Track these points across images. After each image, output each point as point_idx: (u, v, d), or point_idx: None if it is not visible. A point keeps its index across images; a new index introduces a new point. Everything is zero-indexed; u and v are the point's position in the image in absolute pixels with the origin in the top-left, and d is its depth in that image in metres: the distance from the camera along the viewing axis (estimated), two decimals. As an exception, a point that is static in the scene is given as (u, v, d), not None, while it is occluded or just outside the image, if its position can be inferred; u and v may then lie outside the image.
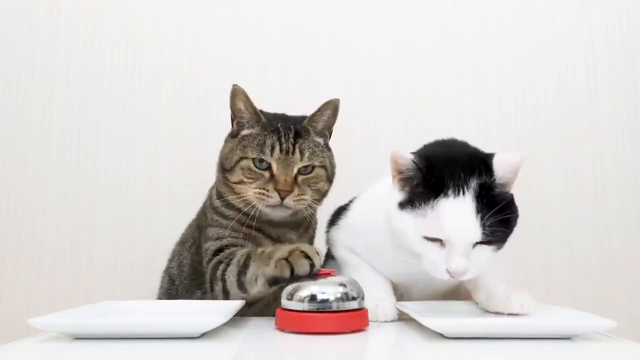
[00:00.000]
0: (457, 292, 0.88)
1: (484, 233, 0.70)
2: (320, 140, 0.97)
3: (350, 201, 0.98)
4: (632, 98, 1.43)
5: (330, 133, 1.00)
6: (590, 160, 1.41)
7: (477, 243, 0.71)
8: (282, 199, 0.88)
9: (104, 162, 1.39)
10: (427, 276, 0.77)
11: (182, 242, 1.07)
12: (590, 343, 0.66)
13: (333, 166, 0.98)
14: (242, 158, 0.92)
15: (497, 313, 0.75)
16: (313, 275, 0.75)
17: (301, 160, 0.91)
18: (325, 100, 0.97)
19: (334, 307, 0.71)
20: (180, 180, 1.36)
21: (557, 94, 1.43)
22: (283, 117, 0.98)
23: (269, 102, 1.41)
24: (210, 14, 1.46)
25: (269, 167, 0.90)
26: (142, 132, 1.41)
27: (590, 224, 1.38)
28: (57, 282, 1.35)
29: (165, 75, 1.43)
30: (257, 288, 0.80)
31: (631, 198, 1.39)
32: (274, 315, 0.77)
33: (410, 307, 0.77)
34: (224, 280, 0.85)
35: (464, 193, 0.71)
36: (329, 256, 1.00)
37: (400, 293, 0.89)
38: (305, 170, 0.92)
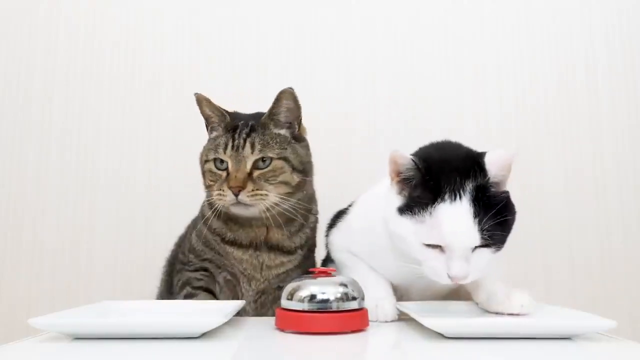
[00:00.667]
0: (457, 293, 0.87)
1: (482, 237, 0.70)
2: (283, 131, 0.95)
3: (350, 205, 0.97)
4: (632, 98, 1.43)
5: (299, 123, 0.97)
6: (590, 160, 1.41)
7: (476, 247, 0.71)
8: (236, 195, 0.87)
9: (104, 162, 1.39)
10: (427, 278, 0.77)
11: (178, 245, 1.07)
12: (590, 343, 0.66)
13: (302, 156, 0.95)
14: (206, 161, 0.94)
15: (497, 313, 0.75)
16: None
17: (252, 153, 0.90)
18: (278, 92, 0.95)
19: (334, 307, 0.71)
20: (180, 180, 1.36)
21: (557, 94, 1.43)
22: (251, 115, 0.98)
23: (268, 102, 1.42)
24: (210, 14, 1.46)
25: (227, 167, 0.91)
26: (142, 132, 1.41)
27: (590, 224, 1.38)
28: (57, 282, 1.35)
29: (165, 75, 1.43)
30: None
31: (631, 198, 1.39)
32: (272, 315, 0.77)
33: (410, 307, 0.77)
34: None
35: (460, 197, 0.71)
36: (328, 260, 1.00)
37: (400, 294, 0.89)
38: (263, 164, 0.90)
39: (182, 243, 1.05)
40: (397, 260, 0.79)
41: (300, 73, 1.44)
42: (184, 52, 1.44)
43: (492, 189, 0.72)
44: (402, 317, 0.81)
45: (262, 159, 0.90)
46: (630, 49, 1.44)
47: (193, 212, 1.09)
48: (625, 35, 1.45)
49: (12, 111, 1.42)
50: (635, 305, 1.35)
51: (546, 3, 1.47)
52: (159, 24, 1.45)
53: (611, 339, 0.69)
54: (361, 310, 0.74)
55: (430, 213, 0.71)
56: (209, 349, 0.62)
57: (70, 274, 1.35)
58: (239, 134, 0.92)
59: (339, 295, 0.72)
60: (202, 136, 1.37)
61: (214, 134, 0.97)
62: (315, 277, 0.75)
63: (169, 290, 1.03)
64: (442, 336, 0.67)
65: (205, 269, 0.96)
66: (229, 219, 0.95)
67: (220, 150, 0.91)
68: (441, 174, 0.72)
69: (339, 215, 0.99)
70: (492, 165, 0.72)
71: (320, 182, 1.36)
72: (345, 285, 0.73)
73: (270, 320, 0.77)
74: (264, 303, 0.96)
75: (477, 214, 0.70)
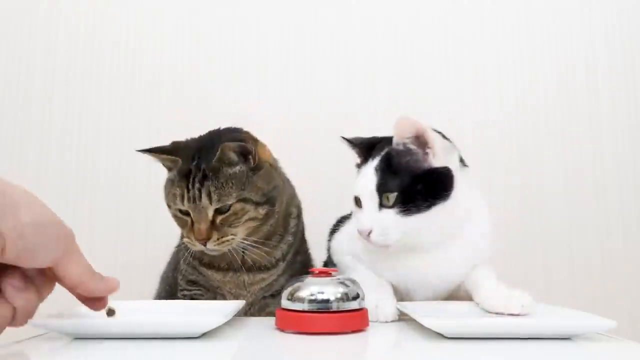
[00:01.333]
0: (458, 293, 0.87)
1: (377, 189, 0.80)
2: (237, 169, 0.87)
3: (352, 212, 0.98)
4: (632, 98, 1.43)
5: (254, 156, 0.90)
6: (590, 160, 1.41)
7: (382, 207, 0.80)
8: (204, 245, 0.85)
9: (104, 162, 1.39)
10: (428, 278, 0.81)
11: (177, 246, 1.07)
12: (590, 343, 0.66)
13: (263, 188, 0.89)
14: (168, 205, 0.90)
15: (497, 313, 0.75)
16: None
17: (211, 204, 0.84)
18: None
19: (334, 307, 0.71)
20: (180, 180, 1.36)
21: (557, 94, 1.43)
22: (205, 147, 0.90)
23: (269, 102, 1.42)
24: (210, 14, 1.46)
25: (189, 214, 0.87)
26: (142, 132, 1.41)
27: (590, 224, 1.38)
28: (57, 282, 1.35)
29: (165, 75, 1.43)
30: None
31: (631, 198, 1.39)
32: (272, 316, 0.77)
33: (410, 308, 0.77)
34: None
35: (375, 159, 0.84)
36: (329, 263, 1.00)
37: (401, 296, 0.89)
38: (223, 209, 0.85)
39: (173, 260, 1.05)
40: (397, 258, 0.83)
41: (300, 73, 1.44)
42: (184, 52, 1.44)
43: (398, 155, 0.82)
44: (402, 317, 0.81)
45: (219, 207, 0.85)
46: (630, 49, 1.44)
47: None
48: (625, 35, 1.45)
49: (12, 111, 1.42)
50: (635, 305, 1.35)
51: (546, 3, 1.47)
52: (159, 24, 1.45)
53: (611, 339, 0.69)
54: (361, 310, 0.74)
55: (360, 171, 0.87)
56: (209, 349, 0.62)
57: (70, 274, 1.35)
58: (192, 183, 0.85)
59: (339, 295, 0.72)
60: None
61: (171, 174, 0.91)
62: (315, 277, 0.75)
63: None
64: (442, 336, 0.67)
65: (194, 290, 0.96)
66: None
67: (178, 202, 0.86)
68: (371, 146, 0.88)
69: (342, 220, 0.99)
70: (394, 130, 0.82)
71: (320, 183, 1.37)
72: (345, 285, 0.73)
73: (270, 320, 0.77)
74: (253, 313, 0.96)
75: (377, 168, 0.82)
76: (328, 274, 0.76)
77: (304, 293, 0.72)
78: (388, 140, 0.84)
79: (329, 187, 1.37)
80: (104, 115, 1.42)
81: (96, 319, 0.70)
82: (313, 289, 0.72)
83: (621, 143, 1.41)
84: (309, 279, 0.75)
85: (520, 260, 1.36)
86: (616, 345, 0.66)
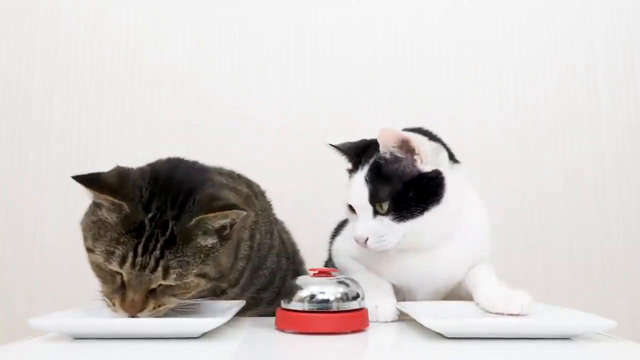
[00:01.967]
0: (458, 294, 0.88)
1: (370, 198, 0.81)
2: (210, 240, 0.70)
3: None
4: (632, 98, 1.43)
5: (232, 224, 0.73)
6: (590, 160, 1.41)
7: (376, 214, 0.81)
8: (132, 316, 0.67)
9: (104, 162, 1.38)
10: (428, 276, 0.82)
11: None
12: (590, 343, 0.66)
13: (223, 265, 0.72)
14: (90, 250, 0.71)
15: (497, 313, 0.75)
16: None
17: (164, 279, 0.67)
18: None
19: (334, 307, 0.71)
20: (180, 180, 1.36)
21: (557, 94, 1.43)
22: (170, 194, 0.70)
23: (269, 102, 1.42)
24: (210, 14, 1.46)
25: (121, 278, 0.68)
26: (142, 132, 1.41)
27: (590, 224, 1.38)
28: (57, 282, 1.35)
29: (165, 75, 1.43)
30: None
31: (631, 198, 1.39)
32: (272, 316, 0.77)
33: (410, 308, 0.77)
34: None
35: (365, 167, 0.84)
36: (329, 264, 1.01)
37: (403, 296, 0.89)
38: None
39: None
40: (397, 258, 0.84)
41: (300, 73, 1.44)
42: (184, 52, 1.44)
43: (386, 163, 0.82)
44: (402, 317, 0.81)
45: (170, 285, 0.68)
46: (630, 49, 1.44)
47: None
48: (625, 35, 1.45)
49: (12, 111, 1.42)
50: (635, 305, 1.35)
51: (546, 3, 1.47)
52: (159, 24, 1.45)
53: (611, 339, 0.69)
54: (361, 310, 0.74)
55: (352, 178, 0.87)
56: (209, 349, 0.62)
57: (70, 274, 1.35)
58: (145, 246, 0.66)
59: (339, 295, 0.72)
60: (202, 136, 1.37)
61: (103, 213, 0.71)
62: (315, 277, 0.75)
63: None
64: (442, 336, 0.67)
65: None
66: None
67: (115, 263, 0.66)
68: (361, 150, 0.88)
69: (342, 224, 1.00)
70: (379, 141, 0.82)
71: (320, 183, 1.37)
72: (345, 285, 0.73)
73: (270, 320, 0.77)
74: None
75: (367, 178, 0.82)
76: (328, 274, 0.76)
77: (304, 293, 0.72)
78: (377, 144, 0.83)
79: (329, 187, 1.37)
80: (104, 115, 1.42)
81: (96, 319, 0.70)
82: (313, 289, 0.72)
83: (621, 143, 1.41)
84: (309, 279, 0.75)
85: (520, 260, 1.36)
86: (616, 345, 0.66)
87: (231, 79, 1.44)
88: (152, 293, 0.68)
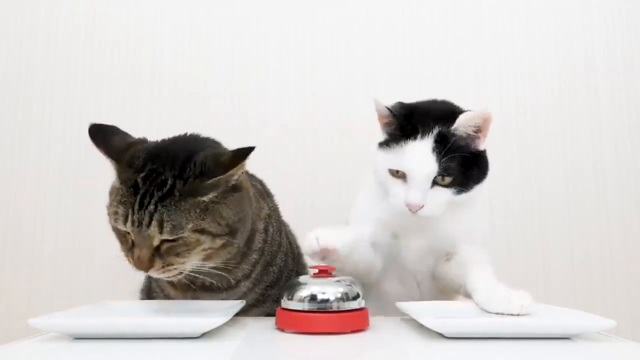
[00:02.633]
0: (458, 293, 0.88)
1: (438, 170, 0.81)
2: (211, 195, 0.72)
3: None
4: (632, 98, 1.43)
5: (236, 181, 0.76)
6: (590, 160, 1.41)
7: (435, 184, 0.82)
8: (145, 271, 0.72)
9: (104, 162, 1.39)
10: (432, 242, 0.87)
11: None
12: (590, 343, 0.66)
13: (228, 218, 0.74)
14: (108, 214, 0.76)
15: (497, 314, 0.75)
16: None
17: (160, 234, 0.70)
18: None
19: (334, 307, 0.71)
20: (180, 180, 1.36)
21: (557, 94, 1.43)
22: (169, 156, 0.74)
23: (268, 102, 1.42)
24: (210, 14, 1.46)
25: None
26: (142, 132, 1.40)
27: (590, 224, 1.38)
28: (57, 282, 1.35)
29: (166, 75, 1.43)
30: None
31: (631, 198, 1.39)
32: (272, 315, 0.77)
33: (410, 307, 0.77)
34: None
35: (427, 137, 0.83)
36: None
37: (417, 282, 0.92)
38: (170, 240, 0.71)
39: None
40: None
41: (300, 73, 1.44)
42: (184, 52, 1.44)
43: (455, 138, 0.83)
44: (402, 317, 0.81)
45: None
46: (630, 49, 1.44)
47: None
48: (625, 35, 1.45)
49: (12, 111, 1.42)
50: (635, 305, 1.35)
51: (546, 3, 1.47)
52: (159, 24, 1.45)
53: (611, 339, 0.69)
54: (361, 310, 0.74)
55: (402, 146, 0.84)
56: (209, 349, 0.62)
57: (70, 274, 1.35)
58: (141, 203, 0.70)
59: (339, 295, 0.72)
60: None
61: (114, 181, 0.77)
62: (315, 277, 0.75)
63: None
64: (442, 336, 0.67)
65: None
66: None
67: (120, 221, 0.72)
68: (419, 118, 0.85)
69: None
70: (460, 120, 0.83)
71: (320, 183, 1.37)
72: (345, 285, 0.73)
73: (270, 320, 0.77)
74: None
75: (435, 150, 0.82)
76: (328, 274, 0.76)
77: (304, 293, 0.72)
78: (437, 113, 0.85)
79: (328, 186, 1.37)
80: (104, 115, 1.42)
81: (96, 319, 0.70)
82: (313, 288, 0.72)
83: (621, 143, 1.41)
84: (309, 278, 0.75)
85: (520, 260, 1.36)
86: (616, 345, 0.66)
87: (231, 79, 1.44)
88: (158, 252, 0.72)
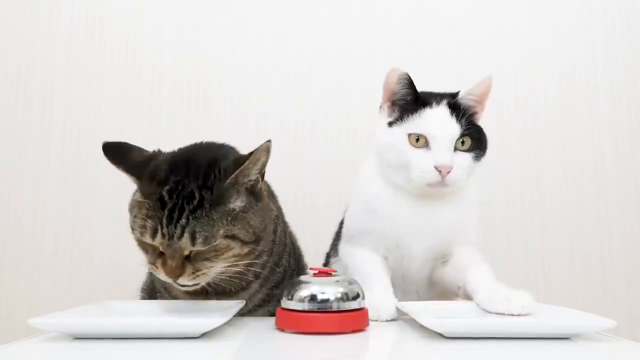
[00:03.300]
0: (457, 293, 0.88)
1: (461, 129, 0.84)
2: (239, 202, 0.74)
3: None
4: (632, 98, 1.43)
5: (262, 176, 0.79)
6: (590, 160, 1.41)
7: (456, 149, 0.84)
8: (174, 280, 0.73)
9: (104, 162, 1.39)
10: (431, 225, 0.86)
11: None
12: (590, 343, 0.66)
13: (255, 226, 0.76)
14: (131, 228, 0.75)
15: (498, 314, 0.75)
16: None
17: (193, 245, 0.71)
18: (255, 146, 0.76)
19: (334, 307, 0.71)
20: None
21: (557, 94, 1.43)
22: (191, 167, 0.74)
23: (268, 102, 1.42)
24: (210, 14, 1.46)
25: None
26: (142, 132, 1.41)
27: (590, 224, 1.38)
28: (57, 282, 1.35)
29: (166, 75, 1.43)
30: None
31: (631, 198, 1.39)
32: (272, 316, 0.77)
33: (410, 307, 0.77)
34: None
35: (440, 105, 0.87)
36: (331, 255, 1.01)
37: (416, 289, 0.92)
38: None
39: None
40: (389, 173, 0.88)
41: (300, 73, 1.44)
42: (184, 52, 1.44)
43: (465, 107, 0.88)
44: (402, 317, 0.81)
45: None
46: (630, 48, 1.44)
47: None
48: (625, 35, 1.45)
49: (12, 111, 1.42)
50: (635, 305, 1.35)
51: (546, 3, 1.47)
52: (159, 24, 1.45)
53: (611, 339, 0.69)
54: (361, 310, 0.74)
55: (419, 115, 0.86)
56: (209, 349, 0.62)
57: (70, 274, 1.35)
58: (170, 217, 0.70)
59: (339, 295, 0.72)
60: (202, 136, 1.37)
61: (135, 193, 0.77)
62: (315, 277, 0.75)
63: None
64: (442, 336, 0.67)
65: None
66: None
67: (147, 236, 0.71)
68: (428, 94, 0.91)
69: (341, 224, 1.00)
70: (464, 90, 0.90)
71: (320, 183, 1.37)
72: (345, 285, 0.73)
73: (270, 320, 0.77)
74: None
75: (452, 114, 0.86)
76: (328, 274, 0.76)
77: (304, 293, 0.72)
78: (429, 95, 0.90)
79: (328, 186, 1.37)
80: (104, 115, 1.42)
81: (96, 319, 0.70)
82: (313, 288, 0.72)
83: (621, 143, 1.41)
84: (309, 278, 0.75)
85: (520, 260, 1.36)
86: (616, 345, 0.66)
87: (231, 79, 1.44)
88: (187, 258, 0.73)
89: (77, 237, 1.37)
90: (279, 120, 1.41)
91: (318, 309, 0.71)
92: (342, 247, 0.97)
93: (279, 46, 1.45)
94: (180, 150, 0.82)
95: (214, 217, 0.71)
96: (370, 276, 0.87)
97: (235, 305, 0.78)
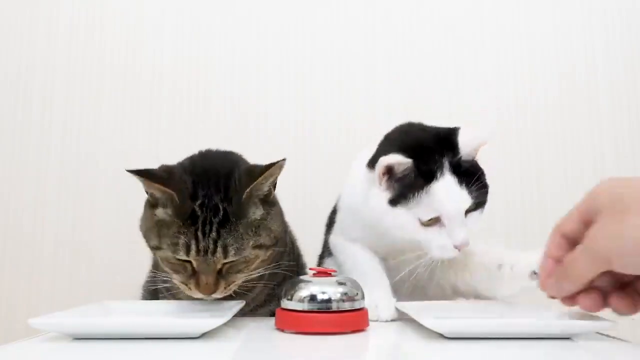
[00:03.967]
0: (456, 292, 0.88)
1: (472, 198, 0.78)
2: (258, 212, 0.78)
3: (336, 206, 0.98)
4: (632, 98, 1.43)
5: (274, 186, 0.82)
6: (590, 160, 1.41)
7: (468, 212, 0.78)
8: (209, 295, 0.75)
9: (104, 162, 1.39)
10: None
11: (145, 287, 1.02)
12: (590, 343, 0.66)
13: (276, 231, 0.80)
14: (158, 247, 0.76)
15: (501, 294, 0.76)
16: None
17: (225, 257, 0.73)
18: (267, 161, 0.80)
19: (334, 307, 0.71)
20: (180, 180, 1.36)
21: (557, 94, 1.43)
22: (212, 179, 0.75)
23: (268, 102, 1.43)
24: (210, 14, 1.46)
25: (190, 263, 0.74)
26: (142, 132, 1.41)
27: (590, 224, 1.38)
28: (57, 282, 1.35)
29: (166, 75, 1.43)
30: None
31: (631, 198, 1.39)
32: (273, 315, 0.77)
33: (410, 307, 0.77)
34: None
35: (443, 173, 0.78)
36: (324, 255, 1.01)
37: (411, 285, 0.90)
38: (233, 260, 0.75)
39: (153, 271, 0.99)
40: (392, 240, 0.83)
41: (300, 73, 1.44)
42: (184, 52, 1.44)
43: (467, 164, 0.80)
44: (402, 317, 0.81)
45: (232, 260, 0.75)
46: (630, 48, 1.44)
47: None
48: (625, 35, 1.45)
49: (12, 111, 1.42)
50: (635, 305, 1.35)
51: (546, 3, 1.47)
52: (159, 24, 1.45)
53: (611, 339, 0.69)
54: (361, 310, 0.74)
55: (426, 192, 0.77)
56: (209, 349, 0.62)
57: (70, 274, 1.35)
58: (203, 231, 0.72)
59: (339, 295, 0.72)
60: (202, 137, 1.37)
61: (160, 212, 0.76)
62: (315, 277, 0.75)
63: None
64: (442, 336, 0.67)
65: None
66: None
67: (182, 253, 0.72)
68: (425, 158, 0.78)
69: (335, 212, 0.99)
70: (466, 146, 0.79)
71: (320, 183, 1.37)
72: (345, 285, 0.73)
73: (270, 320, 0.77)
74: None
75: (461, 182, 0.78)
76: (328, 274, 0.76)
77: (303, 293, 0.72)
78: (425, 143, 0.80)
79: (328, 186, 1.37)
80: (104, 115, 1.42)
81: (96, 319, 0.70)
82: (313, 288, 0.72)
83: (621, 143, 1.41)
84: (309, 278, 0.75)
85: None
86: (616, 345, 0.66)
87: (231, 79, 1.44)
88: (220, 273, 0.74)
89: (77, 237, 1.37)
90: (279, 120, 1.41)
91: (318, 309, 0.71)
92: (336, 241, 0.95)
93: (279, 46, 1.45)
94: (192, 161, 0.81)
95: (241, 230, 0.74)
96: (369, 276, 0.87)
97: (235, 305, 0.77)
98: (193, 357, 0.60)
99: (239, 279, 0.76)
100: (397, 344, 0.71)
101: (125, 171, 0.75)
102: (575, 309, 0.74)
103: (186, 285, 0.75)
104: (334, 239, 0.96)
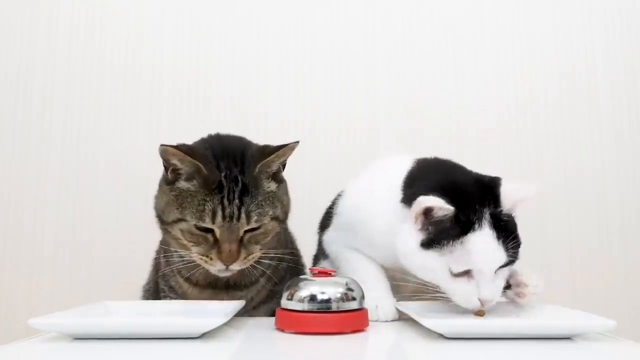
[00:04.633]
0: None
1: (508, 256, 0.75)
2: (272, 185, 0.84)
3: (333, 203, 0.97)
4: (632, 98, 1.43)
5: (284, 165, 0.88)
6: (590, 160, 1.41)
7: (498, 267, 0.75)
8: (227, 265, 0.78)
9: (104, 162, 1.39)
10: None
11: (155, 258, 1.03)
12: (590, 343, 0.66)
13: (286, 205, 0.87)
14: (180, 220, 0.79)
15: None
16: None
17: (248, 224, 0.78)
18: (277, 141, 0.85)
19: (334, 307, 0.71)
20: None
21: (557, 94, 1.43)
22: (229, 155, 0.81)
23: (268, 102, 1.43)
24: (210, 14, 1.46)
25: (212, 230, 0.78)
26: (142, 132, 1.41)
27: (590, 224, 1.38)
28: (57, 282, 1.35)
29: (166, 75, 1.43)
30: None
31: (631, 198, 1.39)
32: (274, 313, 0.77)
33: (410, 307, 0.77)
34: None
35: (482, 225, 0.74)
36: (319, 256, 1.00)
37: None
38: (253, 229, 0.80)
39: (154, 271, 1.01)
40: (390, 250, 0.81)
41: (300, 73, 1.44)
42: (184, 52, 1.44)
43: (509, 219, 0.77)
44: (402, 317, 0.81)
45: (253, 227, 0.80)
46: (630, 48, 1.44)
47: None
48: (625, 35, 1.45)
49: (12, 111, 1.42)
50: (635, 305, 1.35)
51: (546, 3, 1.47)
52: (159, 24, 1.45)
53: (611, 339, 0.69)
54: (361, 310, 0.74)
55: (462, 242, 0.73)
56: (209, 349, 0.62)
57: (70, 274, 1.35)
58: (228, 199, 0.77)
59: (339, 295, 0.72)
60: (202, 135, 1.37)
61: (183, 184, 0.80)
62: (315, 277, 0.75)
63: None
64: (442, 336, 0.67)
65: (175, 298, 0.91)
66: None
67: (208, 220, 0.77)
68: (466, 206, 0.74)
69: (329, 213, 0.98)
70: (508, 200, 0.77)
71: (320, 183, 1.37)
72: (345, 285, 0.73)
73: (270, 320, 0.77)
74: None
75: (499, 237, 0.74)
76: (328, 274, 0.76)
77: (304, 293, 0.72)
78: (465, 189, 0.77)
79: (328, 186, 1.37)
80: (104, 115, 1.42)
81: (96, 319, 0.70)
82: (313, 288, 0.72)
83: (621, 143, 1.41)
84: (309, 278, 0.75)
85: (520, 261, 1.35)
86: (616, 345, 0.66)
87: (231, 79, 1.44)
88: (241, 242, 0.79)
89: (77, 237, 1.37)
90: (279, 120, 1.41)
91: (318, 309, 0.71)
92: (333, 245, 0.94)
93: (279, 46, 1.45)
94: (206, 141, 0.87)
95: (260, 198, 0.80)
96: (369, 276, 0.87)
97: (235, 305, 0.78)
98: (193, 357, 0.60)
99: (257, 250, 0.81)
100: (397, 344, 0.71)
101: (161, 145, 0.78)
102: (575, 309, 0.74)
103: (207, 256, 0.78)
104: (331, 244, 0.95)
